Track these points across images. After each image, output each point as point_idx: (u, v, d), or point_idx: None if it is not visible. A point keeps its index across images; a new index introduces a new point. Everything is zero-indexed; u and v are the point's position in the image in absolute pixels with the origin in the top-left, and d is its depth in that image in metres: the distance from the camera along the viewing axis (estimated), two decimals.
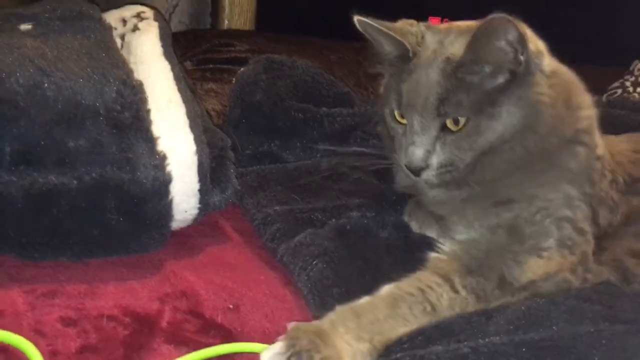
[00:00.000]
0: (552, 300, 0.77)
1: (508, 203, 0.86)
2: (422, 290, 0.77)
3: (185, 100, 0.97)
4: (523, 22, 0.85)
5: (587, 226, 0.86)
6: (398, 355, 0.70)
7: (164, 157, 0.88)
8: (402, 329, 0.74)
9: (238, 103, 1.13)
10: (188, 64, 1.29)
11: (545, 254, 0.82)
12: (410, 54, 0.88)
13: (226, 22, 2.13)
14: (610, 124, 1.08)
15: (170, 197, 0.88)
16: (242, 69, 1.16)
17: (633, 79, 1.62)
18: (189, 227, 0.97)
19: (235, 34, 1.79)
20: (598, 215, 0.89)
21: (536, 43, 0.88)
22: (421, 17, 0.95)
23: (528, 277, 0.81)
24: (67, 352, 0.69)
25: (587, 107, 0.91)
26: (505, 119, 0.84)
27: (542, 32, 0.90)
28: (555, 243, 0.83)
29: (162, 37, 1.07)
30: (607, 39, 1.88)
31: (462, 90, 0.84)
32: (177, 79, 1.00)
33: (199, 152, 0.93)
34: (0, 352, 0.68)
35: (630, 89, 1.58)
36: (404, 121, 0.88)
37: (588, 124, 0.90)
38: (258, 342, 0.76)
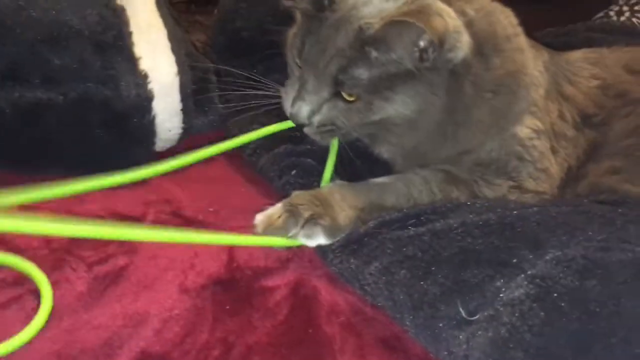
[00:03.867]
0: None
1: (463, 153, 0.88)
2: (407, 186, 0.84)
3: (166, 25, 1.01)
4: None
5: (547, 162, 0.89)
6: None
7: (145, 76, 0.93)
8: (388, 204, 0.82)
9: (220, 31, 1.17)
10: None
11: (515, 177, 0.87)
12: (326, 2, 0.84)
13: None
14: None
15: (153, 114, 0.93)
16: None
17: (617, 8, 1.63)
18: (174, 148, 1.02)
19: None
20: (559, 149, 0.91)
21: (458, 37, 0.81)
22: None
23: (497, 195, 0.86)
24: (61, 240, 0.74)
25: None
26: (399, 107, 0.83)
27: None
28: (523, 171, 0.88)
29: None
30: None
31: (365, 65, 0.81)
32: (159, 6, 1.04)
33: (181, 72, 0.97)
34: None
35: (614, 18, 1.60)
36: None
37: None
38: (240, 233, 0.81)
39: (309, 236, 0.79)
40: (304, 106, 0.86)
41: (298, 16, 0.92)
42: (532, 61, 0.93)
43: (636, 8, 1.59)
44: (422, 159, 0.89)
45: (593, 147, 0.92)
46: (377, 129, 0.87)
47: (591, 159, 0.91)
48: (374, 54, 0.80)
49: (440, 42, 0.77)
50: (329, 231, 0.79)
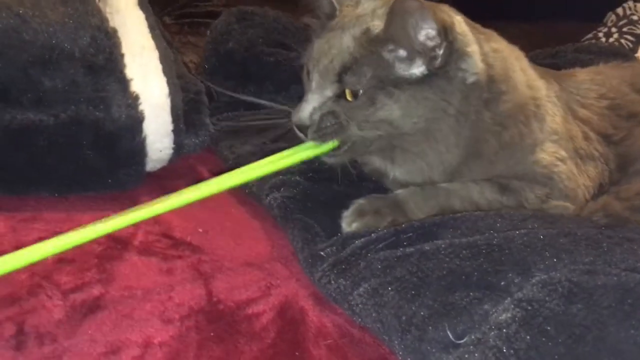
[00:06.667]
0: (500, 214, 0.82)
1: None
2: (468, 192, 0.88)
3: (158, 47, 1.02)
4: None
5: (574, 184, 0.91)
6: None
7: (136, 97, 0.93)
8: (457, 208, 0.86)
9: (213, 52, 1.18)
10: (167, 19, 1.34)
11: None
12: (337, 13, 0.88)
13: None
14: None
15: (143, 135, 0.93)
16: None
17: (606, 29, 1.65)
18: (165, 169, 1.02)
19: None
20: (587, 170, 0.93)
21: (466, 42, 0.85)
22: None
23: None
24: (44, 264, 0.74)
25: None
26: (404, 106, 0.82)
27: None
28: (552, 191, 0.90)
29: None
30: None
31: (370, 64, 0.82)
32: (151, 28, 1.05)
33: (172, 94, 0.97)
34: None
35: (603, 40, 1.62)
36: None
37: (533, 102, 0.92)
38: (224, 257, 0.81)
39: None
40: (307, 105, 0.85)
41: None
42: (544, 92, 0.95)
43: (624, 30, 1.62)
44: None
45: (621, 160, 0.95)
46: (390, 139, 0.86)
47: (622, 172, 0.95)
48: (382, 52, 0.82)
49: (445, 32, 0.80)
50: None
